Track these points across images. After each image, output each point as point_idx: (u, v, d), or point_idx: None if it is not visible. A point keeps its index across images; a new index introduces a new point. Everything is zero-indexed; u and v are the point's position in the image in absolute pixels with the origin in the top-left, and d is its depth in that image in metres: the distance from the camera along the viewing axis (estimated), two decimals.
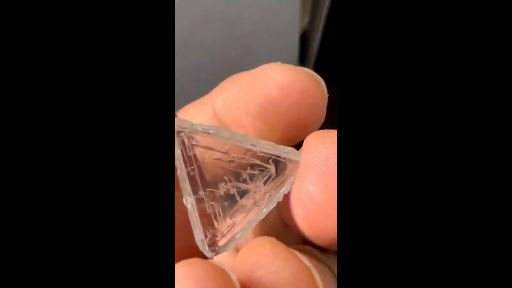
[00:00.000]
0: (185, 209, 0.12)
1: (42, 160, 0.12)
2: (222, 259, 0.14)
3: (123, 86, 0.12)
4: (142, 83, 0.12)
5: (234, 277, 0.10)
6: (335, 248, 0.12)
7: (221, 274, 0.10)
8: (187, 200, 0.12)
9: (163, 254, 0.12)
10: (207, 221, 0.12)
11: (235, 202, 0.13)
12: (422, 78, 0.11)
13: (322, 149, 0.12)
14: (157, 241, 0.12)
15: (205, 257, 0.12)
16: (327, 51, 0.99)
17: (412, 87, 0.11)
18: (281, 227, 0.14)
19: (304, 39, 0.96)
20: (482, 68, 0.11)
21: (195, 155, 0.12)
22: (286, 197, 0.13)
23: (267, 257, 0.11)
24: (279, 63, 0.14)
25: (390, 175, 0.11)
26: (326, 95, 0.14)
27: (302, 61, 0.95)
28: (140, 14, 0.12)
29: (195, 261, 0.10)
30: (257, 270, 0.11)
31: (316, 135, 0.12)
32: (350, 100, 0.12)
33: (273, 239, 0.12)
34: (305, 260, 0.11)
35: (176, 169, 0.12)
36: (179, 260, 0.11)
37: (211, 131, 0.12)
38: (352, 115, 0.12)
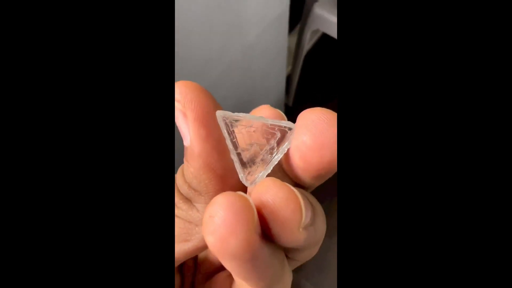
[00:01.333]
0: (232, 164, 0.17)
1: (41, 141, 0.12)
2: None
3: (131, 99, 0.13)
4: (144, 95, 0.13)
5: (251, 200, 0.15)
6: (319, 182, 0.17)
7: (243, 198, 0.14)
8: (233, 155, 0.17)
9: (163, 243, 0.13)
10: (244, 166, 0.18)
11: (259, 154, 0.18)
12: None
13: (309, 115, 0.16)
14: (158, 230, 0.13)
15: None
16: (303, 87, 1.17)
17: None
18: (281, 176, 0.18)
19: (288, 79, 1.13)
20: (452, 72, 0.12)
21: (233, 130, 0.17)
22: (287, 151, 0.17)
23: (270, 187, 0.15)
24: (268, 105, 0.19)
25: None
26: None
27: (287, 93, 1.14)
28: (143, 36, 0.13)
29: (227, 193, 0.14)
30: (264, 194, 0.15)
31: (305, 111, 0.16)
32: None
33: (274, 178, 0.16)
34: (294, 189, 0.15)
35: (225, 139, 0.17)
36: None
37: (240, 115, 0.17)
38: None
